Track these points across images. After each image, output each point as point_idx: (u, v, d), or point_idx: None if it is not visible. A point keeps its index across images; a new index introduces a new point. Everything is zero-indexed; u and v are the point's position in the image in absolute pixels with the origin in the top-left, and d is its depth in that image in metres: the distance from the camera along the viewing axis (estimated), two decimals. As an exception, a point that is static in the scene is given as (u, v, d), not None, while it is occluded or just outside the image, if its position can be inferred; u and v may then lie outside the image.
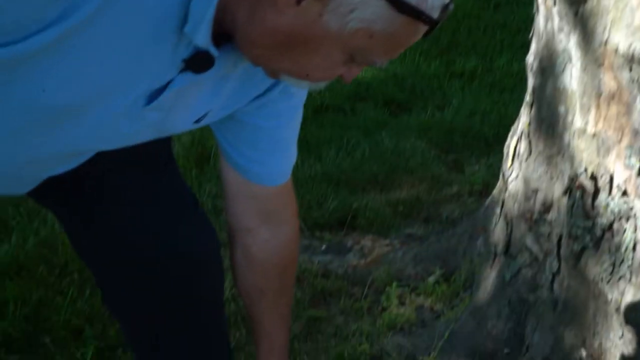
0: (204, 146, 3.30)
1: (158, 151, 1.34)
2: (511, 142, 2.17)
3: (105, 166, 1.24)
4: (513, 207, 2.10)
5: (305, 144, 3.50)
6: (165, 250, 1.35)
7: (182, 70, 1.00)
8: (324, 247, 2.70)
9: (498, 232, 2.19)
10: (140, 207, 1.34)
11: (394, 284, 2.39)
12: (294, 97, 1.22)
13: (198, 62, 0.99)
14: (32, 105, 0.94)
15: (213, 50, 0.97)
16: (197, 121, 1.14)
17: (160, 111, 1.04)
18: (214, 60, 0.99)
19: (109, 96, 0.98)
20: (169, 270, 1.36)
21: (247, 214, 1.35)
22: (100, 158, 1.19)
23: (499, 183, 2.29)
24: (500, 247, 2.15)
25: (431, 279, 2.39)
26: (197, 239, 1.38)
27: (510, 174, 2.14)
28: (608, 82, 1.68)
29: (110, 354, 2.01)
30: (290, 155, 1.31)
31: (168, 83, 1.00)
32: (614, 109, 1.68)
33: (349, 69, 0.99)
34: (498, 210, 2.23)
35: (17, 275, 2.32)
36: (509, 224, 2.11)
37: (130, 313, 1.46)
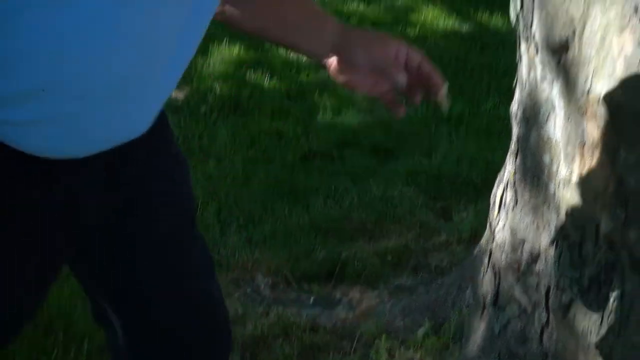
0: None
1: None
2: (497, 192, 2.16)
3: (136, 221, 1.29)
4: (500, 257, 2.07)
5: (293, 192, 3.48)
6: (182, 311, 1.38)
7: None
8: (312, 299, 2.67)
9: (486, 283, 2.17)
10: (166, 263, 1.37)
11: (383, 337, 2.36)
12: None
13: None
14: None
15: None
16: None
17: None
18: None
19: None
20: (186, 332, 1.38)
21: None
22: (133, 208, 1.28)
23: (486, 232, 2.27)
24: (488, 298, 2.13)
25: (420, 332, 2.36)
26: (215, 303, 1.43)
27: (497, 224, 2.12)
28: (591, 131, 1.67)
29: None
30: None
31: None
32: (597, 158, 1.67)
33: None
34: (486, 260, 2.20)
35: (-1, 336, 2.27)
36: (497, 275, 2.09)
37: None
